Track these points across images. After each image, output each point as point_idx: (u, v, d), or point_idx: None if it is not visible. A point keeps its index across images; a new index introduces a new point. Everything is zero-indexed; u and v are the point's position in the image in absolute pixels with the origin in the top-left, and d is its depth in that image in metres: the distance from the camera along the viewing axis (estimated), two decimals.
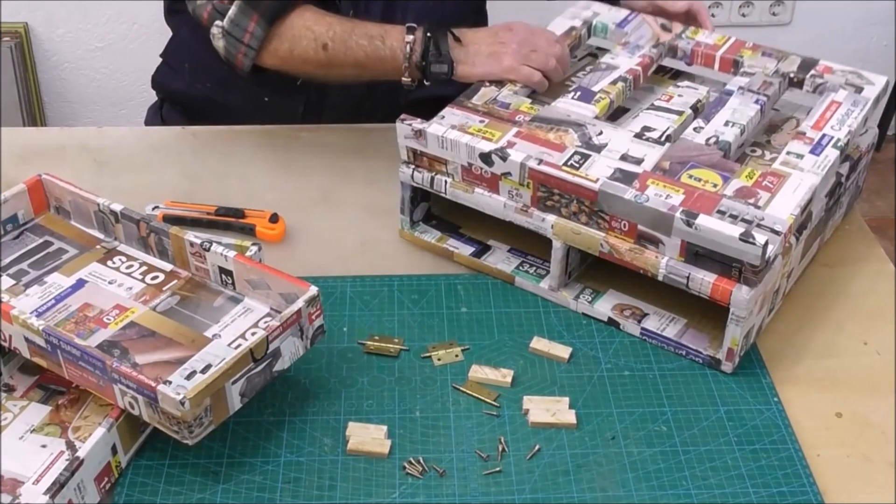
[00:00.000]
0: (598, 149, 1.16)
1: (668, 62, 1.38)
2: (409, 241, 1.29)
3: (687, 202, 1.08)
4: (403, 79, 1.32)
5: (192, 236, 1.11)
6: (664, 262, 1.09)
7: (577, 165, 1.13)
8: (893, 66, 2.72)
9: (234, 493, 0.97)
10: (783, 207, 1.08)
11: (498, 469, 1.00)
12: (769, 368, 1.12)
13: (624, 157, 1.15)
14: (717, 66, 1.34)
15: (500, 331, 1.16)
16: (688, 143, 1.18)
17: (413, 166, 1.23)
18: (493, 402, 1.07)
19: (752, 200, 1.09)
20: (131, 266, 1.14)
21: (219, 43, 1.36)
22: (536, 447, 1.02)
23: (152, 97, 1.68)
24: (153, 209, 1.30)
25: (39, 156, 1.43)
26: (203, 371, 0.98)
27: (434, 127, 1.18)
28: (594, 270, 1.22)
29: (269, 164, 1.43)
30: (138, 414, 0.95)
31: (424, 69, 1.31)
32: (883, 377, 1.12)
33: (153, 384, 0.91)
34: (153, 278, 1.12)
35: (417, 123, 1.19)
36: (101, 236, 1.18)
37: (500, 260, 1.24)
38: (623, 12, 1.42)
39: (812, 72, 1.30)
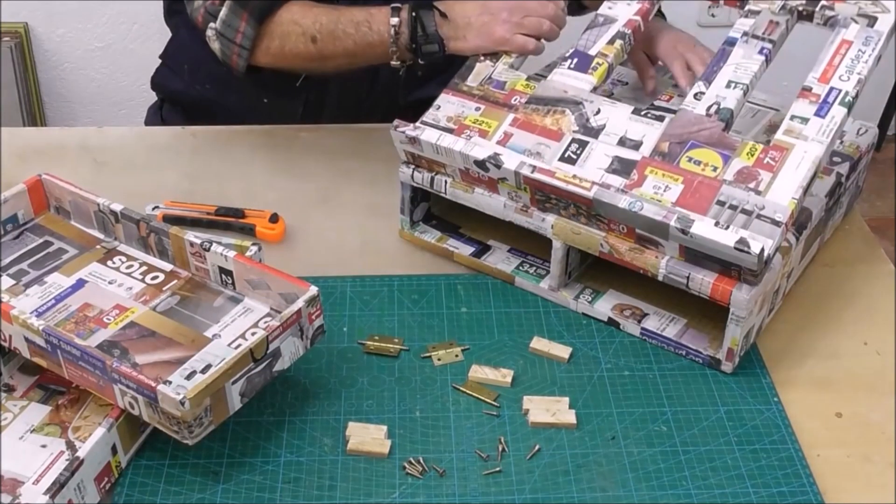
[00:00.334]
0: (596, 133, 1.15)
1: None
2: (409, 241, 1.29)
3: (686, 193, 1.07)
4: (393, 62, 1.30)
5: (192, 236, 1.10)
6: (664, 262, 1.09)
7: (575, 157, 1.13)
8: None
9: (234, 493, 0.97)
10: (785, 190, 1.06)
11: (498, 469, 1.00)
12: (769, 368, 1.12)
13: (622, 142, 1.13)
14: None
15: (500, 331, 1.16)
16: (688, 117, 1.15)
17: (413, 166, 1.22)
18: (493, 402, 1.06)
19: (752, 185, 1.07)
20: (131, 266, 1.14)
21: (214, 45, 1.36)
22: (536, 447, 1.02)
23: (152, 97, 1.68)
24: (153, 209, 1.30)
25: (39, 156, 1.43)
26: (203, 371, 0.98)
27: (427, 134, 1.16)
28: (594, 270, 1.22)
29: (269, 165, 1.43)
30: (138, 414, 0.95)
31: (416, 50, 1.28)
32: (883, 377, 1.12)
33: (153, 384, 0.91)
34: (153, 278, 1.12)
35: (410, 130, 1.17)
36: (101, 236, 1.18)
37: (500, 260, 1.24)
38: None
39: (822, 2, 1.21)
